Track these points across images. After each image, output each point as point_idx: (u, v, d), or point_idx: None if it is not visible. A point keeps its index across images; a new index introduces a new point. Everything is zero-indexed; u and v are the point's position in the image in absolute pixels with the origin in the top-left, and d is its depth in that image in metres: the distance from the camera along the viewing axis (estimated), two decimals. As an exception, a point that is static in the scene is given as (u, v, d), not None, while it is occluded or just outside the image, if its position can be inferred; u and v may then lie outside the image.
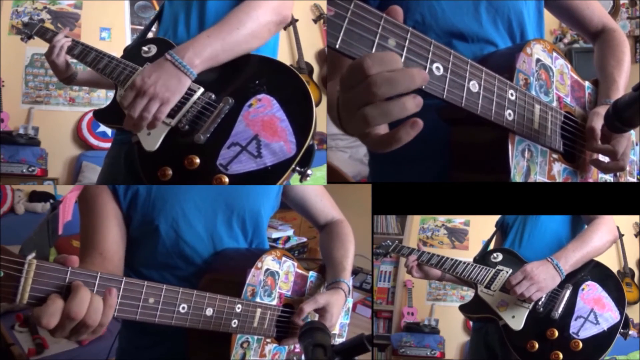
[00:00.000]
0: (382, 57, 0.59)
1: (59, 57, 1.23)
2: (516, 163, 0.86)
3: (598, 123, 0.94)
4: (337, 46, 0.60)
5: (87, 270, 0.69)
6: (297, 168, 0.92)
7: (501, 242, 1.47)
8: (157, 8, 2.95)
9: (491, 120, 0.78)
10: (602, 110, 0.97)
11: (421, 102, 0.60)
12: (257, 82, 0.97)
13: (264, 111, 0.94)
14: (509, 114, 0.81)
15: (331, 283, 1.11)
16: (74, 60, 1.22)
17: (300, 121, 0.92)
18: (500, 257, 1.33)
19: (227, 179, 0.90)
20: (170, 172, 0.93)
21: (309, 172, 0.93)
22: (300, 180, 0.94)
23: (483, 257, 1.37)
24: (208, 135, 0.94)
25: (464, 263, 1.36)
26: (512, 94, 0.81)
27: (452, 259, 1.38)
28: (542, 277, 1.17)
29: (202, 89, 0.98)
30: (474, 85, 0.73)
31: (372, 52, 0.60)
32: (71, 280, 0.67)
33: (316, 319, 1.04)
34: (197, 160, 0.92)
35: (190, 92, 0.97)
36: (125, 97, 0.94)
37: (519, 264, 1.26)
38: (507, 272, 1.27)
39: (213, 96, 0.98)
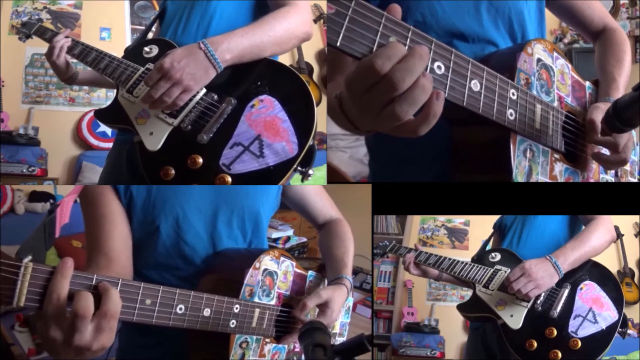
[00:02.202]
0: (388, 52, 0.59)
1: (59, 58, 1.23)
2: (518, 163, 0.85)
3: (598, 116, 0.94)
4: (338, 44, 0.59)
5: (83, 272, 0.69)
6: (299, 168, 0.92)
7: (499, 243, 1.47)
8: (157, 8, 2.95)
9: (493, 119, 0.77)
10: (602, 104, 0.97)
11: (431, 77, 0.61)
12: (259, 83, 0.98)
13: (266, 112, 0.94)
14: (511, 114, 0.80)
15: (333, 279, 1.10)
16: (75, 60, 1.22)
17: (302, 122, 0.93)
18: (498, 256, 1.33)
19: (229, 179, 0.91)
20: (173, 171, 0.93)
21: (310, 172, 0.94)
22: (302, 180, 0.95)
23: (481, 257, 1.36)
24: (211, 135, 0.94)
25: (462, 263, 1.35)
26: (513, 94, 0.81)
27: (449, 259, 1.38)
28: (540, 275, 1.17)
29: (204, 90, 0.98)
30: (475, 85, 0.73)
31: (375, 51, 0.60)
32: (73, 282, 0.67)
33: (316, 314, 1.04)
34: (200, 160, 0.93)
35: None
36: (151, 76, 0.94)
37: (517, 263, 1.26)
38: (505, 272, 1.27)
39: (215, 97, 0.98)
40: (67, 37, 1.23)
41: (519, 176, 0.85)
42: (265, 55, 1.02)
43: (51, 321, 0.65)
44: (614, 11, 3.40)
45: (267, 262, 1.01)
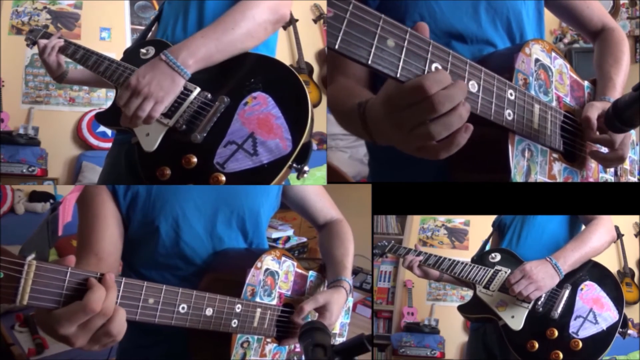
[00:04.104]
0: (437, 77, 0.64)
1: (49, 57, 1.30)
2: (516, 163, 0.86)
3: (594, 113, 0.94)
4: (337, 47, 0.60)
5: (87, 271, 0.69)
6: (294, 165, 0.92)
7: (498, 242, 1.47)
8: (157, 8, 2.95)
9: (491, 120, 0.78)
10: (598, 103, 0.97)
11: (469, 108, 0.66)
12: (252, 80, 0.98)
13: (260, 109, 0.94)
14: (509, 114, 0.81)
15: (332, 282, 1.11)
16: (70, 60, 1.24)
17: (296, 118, 0.93)
18: (498, 257, 1.33)
19: (223, 178, 0.91)
20: (168, 171, 0.93)
21: (305, 168, 0.93)
22: (298, 177, 0.94)
23: (481, 257, 1.37)
24: (205, 135, 0.95)
25: (462, 263, 1.36)
26: (511, 94, 0.81)
27: (449, 259, 1.38)
28: (541, 277, 1.17)
29: (198, 89, 0.99)
30: (473, 85, 0.73)
31: (424, 74, 0.65)
32: (70, 280, 0.67)
33: (316, 317, 1.04)
34: (195, 160, 0.93)
35: (186, 92, 0.98)
36: (121, 97, 0.95)
37: (518, 263, 1.26)
38: (505, 272, 1.27)
39: (209, 95, 0.98)
40: (60, 37, 1.29)
41: (517, 176, 0.86)
42: (241, 49, 1.01)
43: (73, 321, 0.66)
44: (614, 11, 3.40)
45: (268, 261, 1.01)
